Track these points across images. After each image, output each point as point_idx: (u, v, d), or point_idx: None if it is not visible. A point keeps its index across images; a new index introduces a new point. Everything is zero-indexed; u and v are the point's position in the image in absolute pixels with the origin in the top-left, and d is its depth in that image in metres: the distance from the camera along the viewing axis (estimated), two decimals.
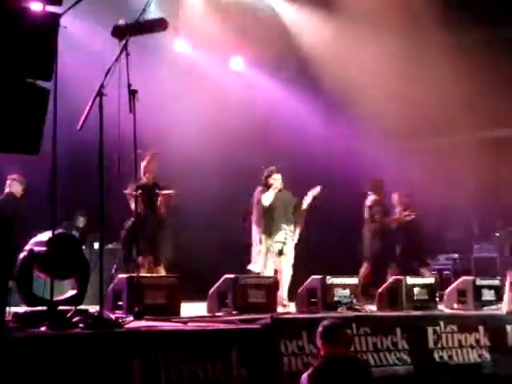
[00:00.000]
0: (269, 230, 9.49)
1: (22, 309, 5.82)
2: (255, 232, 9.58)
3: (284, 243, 9.48)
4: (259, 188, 9.72)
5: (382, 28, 12.08)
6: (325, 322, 5.75)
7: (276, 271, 9.37)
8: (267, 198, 9.57)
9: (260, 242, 9.45)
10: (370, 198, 11.13)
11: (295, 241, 9.64)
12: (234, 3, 12.55)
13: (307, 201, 9.63)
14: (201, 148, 12.57)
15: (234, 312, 7.45)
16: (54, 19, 5.29)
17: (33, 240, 6.21)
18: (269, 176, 9.70)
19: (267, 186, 9.65)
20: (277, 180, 9.67)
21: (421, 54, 12.96)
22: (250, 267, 9.35)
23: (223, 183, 12.45)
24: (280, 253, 9.42)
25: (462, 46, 12.72)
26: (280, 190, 9.62)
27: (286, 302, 9.04)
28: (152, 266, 8.99)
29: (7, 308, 5.39)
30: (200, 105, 12.54)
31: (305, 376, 5.50)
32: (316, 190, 9.64)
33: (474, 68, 12.18)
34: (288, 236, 9.54)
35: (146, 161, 9.18)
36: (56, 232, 5.89)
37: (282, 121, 13.53)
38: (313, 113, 13.65)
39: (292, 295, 8.86)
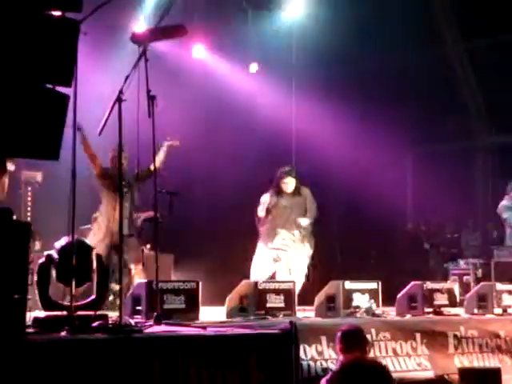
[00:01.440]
0: (265, 236, 9.17)
1: (42, 313, 5.85)
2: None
3: (282, 250, 9.05)
4: (269, 191, 9.27)
5: None
6: (343, 327, 5.74)
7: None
8: (260, 211, 9.20)
9: (260, 246, 9.22)
10: (501, 203, 10.86)
11: (306, 251, 9.20)
12: None
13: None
14: (213, 150, 12.66)
15: (252, 317, 7.44)
16: (74, 26, 5.33)
17: (55, 245, 6.26)
18: (280, 178, 9.24)
19: (278, 190, 9.23)
20: (286, 184, 9.20)
21: None
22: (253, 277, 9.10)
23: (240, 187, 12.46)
24: (275, 260, 9.03)
25: None
26: (294, 193, 9.18)
27: None
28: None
29: (27, 313, 5.44)
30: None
31: (324, 381, 5.49)
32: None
33: None
34: (289, 243, 9.07)
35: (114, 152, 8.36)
36: (67, 239, 5.92)
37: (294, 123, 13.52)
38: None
39: (310, 300, 8.78)
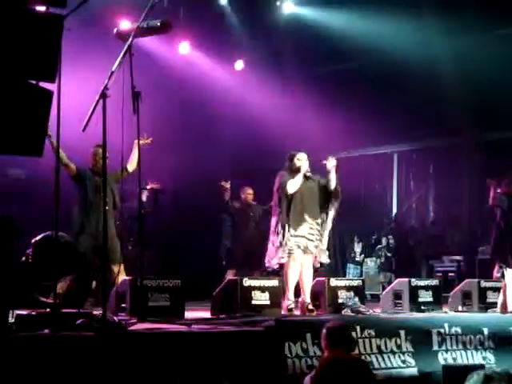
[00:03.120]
0: (291, 222, 8.17)
1: (25, 311, 5.81)
2: (274, 222, 8.32)
3: (309, 240, 8.21)
4: (281, 173, 8.39)
5: None
6: (328, 324, 5.74)
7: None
8: (293, 184, 8.21)
9: (277, 233, 8.20)
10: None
11: (325, 237, 8.39)
12: None
13: (332, 178, 8.31)
14: (199, 147, 12.68)
15: (237, 314, 7.43)
16: (58, 21, 5.29)
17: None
18: (292, 157, 8.39)
19: (292, 170, 8.34)
20: (302, 161, 8.32)
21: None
22: (267, 264, 8.32)
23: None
24: (304, 250, 8.18)
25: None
26: (305, 176, 8.31)
27: (311, 307, 8.10)
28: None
29: (10, 310, 5.40)
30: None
31: (308, 378, 5.49)
32: (331, 163, 8.30)
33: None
34: (314, 231, 8.27)
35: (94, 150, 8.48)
36: (43, 235, 5.89)
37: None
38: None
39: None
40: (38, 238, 5.97)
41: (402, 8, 12.73)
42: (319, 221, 8.36)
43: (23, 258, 5.97)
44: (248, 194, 11.00)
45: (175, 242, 12.71)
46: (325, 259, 8.39)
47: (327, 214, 8.44)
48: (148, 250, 10.15)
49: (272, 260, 8.28)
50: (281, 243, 8.16)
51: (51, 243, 5.67)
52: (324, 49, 13.65)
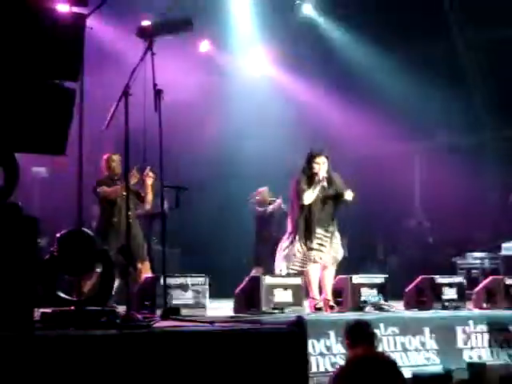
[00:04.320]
0: (304, 232, 7.96)
1: (49, 309, 5.84)
2: (290, 229, 8.11)
3: (319, 250, 7.99)
4: (298, 178, 7.99)
5: None
6: (350, 322, 5.73)
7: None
8: (310, 196, 7.85)
9: (291, 243, 8.01)
10: None
11: (337, 239, 8.15)
12: None
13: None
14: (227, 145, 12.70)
15: (260, 312, 7.42)
16: (81, 20, 5.31)
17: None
18: (311, 160, 7.96)
19: (308, 175, 7.96)
20: (321, 165, 7.89)
21: None
22: (277, 271, 8.11)
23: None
24: (315, 261, 7.96)
25: None
26: (327, 181, 7.89)
27: (332, 304, 8.00)
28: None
29: (35, 308, 5.43)
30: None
31: (333, 376, 5.47)
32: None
33: None
34: (323, 240, 8.00)
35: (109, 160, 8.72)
36: (68, 229, 5.94)
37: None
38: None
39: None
40: (62, 232, 6.01)
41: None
42: (331, 228, 8.10)
43: (47, 256, 5.99)
44: (260, 194, 11.24)
45: (200, 240, 12.73)
46: (341, 255, 8.21)
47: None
48: (173, 248, 10.22)
49: (279, 268, 8.11)
50: (295, 253, 7.97)
51: (76, 237, 5.71)
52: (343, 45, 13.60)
